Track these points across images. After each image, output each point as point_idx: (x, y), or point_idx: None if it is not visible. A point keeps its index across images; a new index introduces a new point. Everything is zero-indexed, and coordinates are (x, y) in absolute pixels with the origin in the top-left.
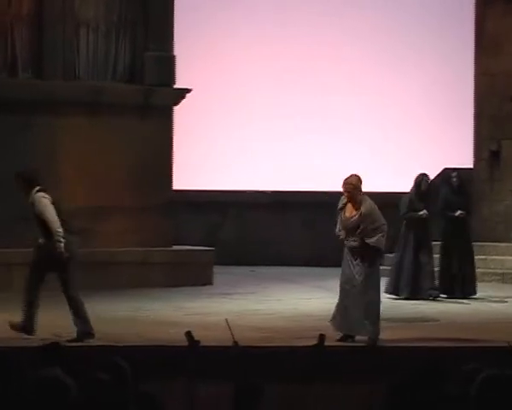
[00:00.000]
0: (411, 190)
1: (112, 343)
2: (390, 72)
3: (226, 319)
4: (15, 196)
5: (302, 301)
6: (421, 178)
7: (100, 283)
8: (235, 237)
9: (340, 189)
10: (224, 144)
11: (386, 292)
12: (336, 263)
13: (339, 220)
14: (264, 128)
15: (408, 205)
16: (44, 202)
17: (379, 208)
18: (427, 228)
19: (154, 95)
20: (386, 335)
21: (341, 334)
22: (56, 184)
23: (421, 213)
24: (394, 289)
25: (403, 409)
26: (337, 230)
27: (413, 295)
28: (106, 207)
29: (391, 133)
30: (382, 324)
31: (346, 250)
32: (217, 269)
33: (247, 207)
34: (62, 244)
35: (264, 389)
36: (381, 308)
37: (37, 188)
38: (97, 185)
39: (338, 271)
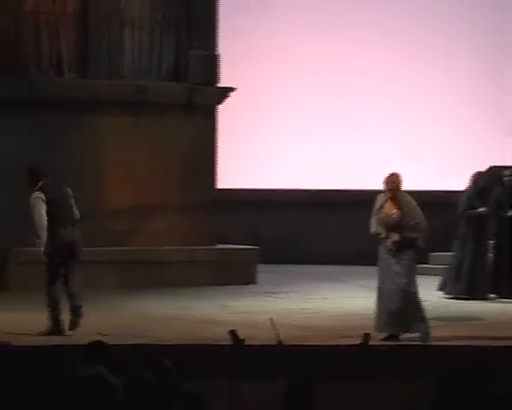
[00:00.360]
0: (469, 187)
1: (156, 342)
2: (423, 67)
3: (271, 318)
4: None
5: (347, 300)
6: (479, 175)
7: (145, 281)
8: (277, 235)
9: (377, 187)
10: (265, 143)
11: (442, 291)
12: (375, 262)
13: (375, 219)
14: (305, 126)
15: (466, 203)
16: (35, 202)
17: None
18: (487, 226)
19: (198, 94)
20: (432, 333)
21: (386, 334)
22: (101, 184)
23: (481, 209)
24: (452, 289)
25: (448, 408)
26: (373, 228)
27: (472, 295)
28: (150, 206)
29: (426, 131)
30: (431, 322)
31: (383, 249)
32: (260, 267)
33: (291, 206)
34: (41, 247)
35: (313, 388)
36: (428, 307)
37: (40, 184)
38: (142, 185)
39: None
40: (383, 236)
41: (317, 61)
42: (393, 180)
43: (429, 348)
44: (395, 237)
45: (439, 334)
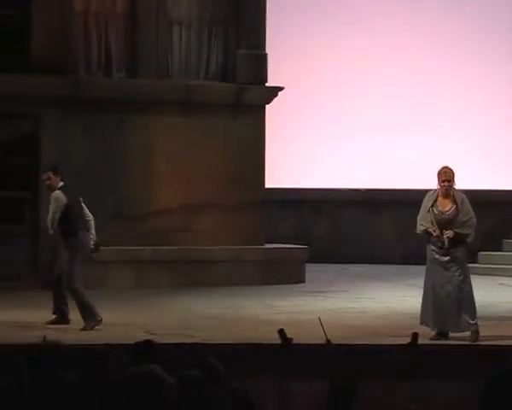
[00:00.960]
0: None
1: (204, 341)
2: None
3: (319, 317)
4: (112, 195)
5: (395, 300)
6: None
7: (194, 281)
8: (326, 234)
9: (427, 187)
10: (314, 142)
11: None
12: (424, 261)
13: (424, 217)
14: (354, 125)
15: None
16: (58, 196)
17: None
18: None
19: (247, 93)
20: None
21: (434, 332)
22: (150, 183)
23: None
24: None
25: (498, 407)
26: (422, 227)
27: None
28: (199, 205)
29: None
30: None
31: (432, 248)
32: (308, 267)
33: (340, 205)
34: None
35: (358, 388)
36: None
37: (61, 185)
38: (190, 184)
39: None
40: (436, 233)
41: (362, 59)
42: (450, 172)
43: (479, 347)
44: (449, 233)
45: (487, 333)
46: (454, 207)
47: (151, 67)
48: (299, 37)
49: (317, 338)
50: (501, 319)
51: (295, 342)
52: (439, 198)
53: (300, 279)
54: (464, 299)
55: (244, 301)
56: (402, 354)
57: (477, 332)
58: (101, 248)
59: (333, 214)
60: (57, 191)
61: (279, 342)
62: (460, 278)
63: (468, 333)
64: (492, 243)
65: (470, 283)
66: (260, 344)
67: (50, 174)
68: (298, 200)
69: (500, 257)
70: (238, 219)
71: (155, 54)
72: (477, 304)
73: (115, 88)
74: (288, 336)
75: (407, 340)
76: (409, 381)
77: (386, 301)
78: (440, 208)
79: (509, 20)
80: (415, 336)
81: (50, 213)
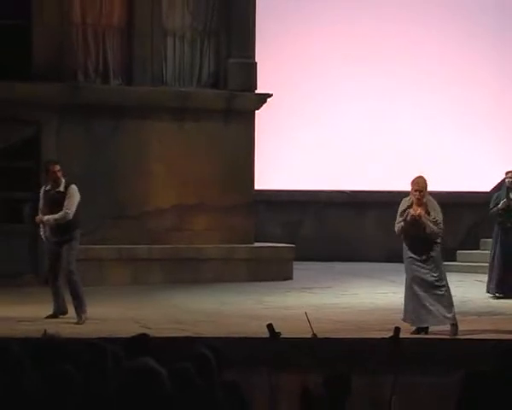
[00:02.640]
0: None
1: (197, 335)
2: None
3: (305, 313)
4: (109, 196)
5: (378, 296)
6: (507, 173)
7: (186, 278)
8: (312, 234)
9: (406, 189)
10: (301, 145)
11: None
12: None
13: (400, 220)
14: (340, 128)
15: (494, 201)
16: (76, 192)
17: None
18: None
19: (237, 100)
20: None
21: (414, 327)
22: (146, 185)
23: (500, 204)
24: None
25: (478, 399)
26: (399, 224)
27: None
28: (192, 206)
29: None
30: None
31: (407, 248)
32: (295, 265)
33: (325, 206)
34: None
35: (351, 379)
36: (455, 303)
37: (66, 180)
38: (184, 186)
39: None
40: (412, 213)
41: (353, 63)
42: (421, 182)
43: (458, 341)
44: (418, 211)
45: (465, 328)
46: (425, 211)
47: (146, 75)
48: (287, 46)
49: (304, 332)
50: (479, 314)
51: (283, 336)
52: (414, 205)
53: (288, 276)
54: (440, 294)
55: (234, 297)
56: (384, 347)
57: (455, 326)
58: (98, 246)
59: (319, 215)
60: (74, 185)
61: (268, 335)
62: (436, 275)
63: (447, 327)
64: (470, 241)
65: (446, 279)
66: (250, 338)
67: (59, 167)
68: (285, 201)
69: (478, 255)
70: (229, 219)
71: (150, 62)
72: (456, 300)
73: (112, 94)
74: (276, 330)
75: (389, 334)
76: (391, 374)
77: (370, 297)
78: (412, 212)
79: None
80: (397, 330)
81: (75, 204)
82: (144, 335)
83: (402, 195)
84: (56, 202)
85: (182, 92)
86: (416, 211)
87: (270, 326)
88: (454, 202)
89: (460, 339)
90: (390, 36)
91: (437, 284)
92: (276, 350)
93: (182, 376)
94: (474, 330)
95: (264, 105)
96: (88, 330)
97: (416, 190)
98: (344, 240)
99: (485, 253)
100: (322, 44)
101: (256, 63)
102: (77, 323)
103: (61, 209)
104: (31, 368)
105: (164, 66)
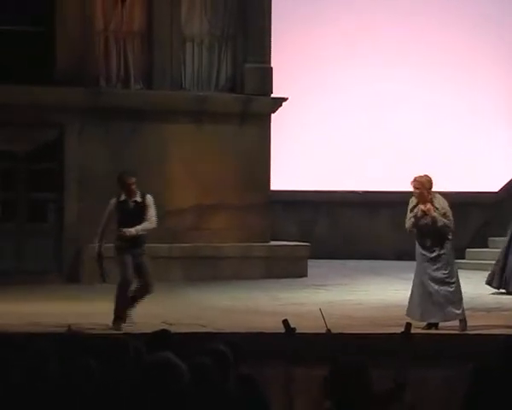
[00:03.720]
0: None
1: (215, 330)
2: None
3: (320, 309)
4: None
5: (390, 292)
6: None
7: (205, 275)
8: (326, 233)
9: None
10: (316, 148)
11: (490, 285)
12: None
13: (412, 218)
14: (354, 131)
15: None
16: (152, 200)
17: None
18: None
19: (253, 103)
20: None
21: (425, 323)
22: (165, 186)
23: None
24: (498, 283)
25: (486, 392)
26: (410, 221)
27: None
28: (210, 206)
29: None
30: (466, 313)
31: (419, 245)
32: (310, 262)
33: (339, 206)
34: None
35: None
36: (464, 299)
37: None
38: (202, 186)
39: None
40: (422, 208)
41: (365, 67)
42: (419, 180)
43: (468, 336)
44: (428, 205)
45: (474, 323)
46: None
47: (166, 80)
48: (302, 50)
49: (319, 328)
50: (488, 310)
51: (298, 331)
52: (420, 203)
53: (303, 274)
54: (450, 291)
55: (251, 293)
56: (396, 342)
57: (464, 321)
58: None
59: (332, 214)
60: (150, 195)
61: (283, 331)
62: (446, 271)
63: (457, 323)
64: (479, 240)
65: (456, 276)
66: (266, 333)
67: (134, 179)
68: (300, 201)
69: (486, 253)
70: (246, 218)
71: (170, 67)
72: (466, 297)
73: (132, 98)
74: (292, 326)
75: (401, 329)
76: (403, 367)
77: (381, 294)
78: (423, 208)
79: None
80: (408, 325)
81: (155, 214)
82: (165, 330)
83: (411, 194)
84: (136, 213)
85: (200, 96)
86: (426, 206)
87: (285, 322)
88: (463, 202)
89: (469, 334)
90: (405, 36)
91: (447, 280)
92: (291, 345)
93: (200, 370)
94: (484, 326)
95: (281, 108)
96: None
97: (415, 188)
98: (356, 239)
99: (493, 251)
100: (337, 48)
101: (272, 68)
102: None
103: (141, 220)
104: (55, 363)
105: (183, 71)
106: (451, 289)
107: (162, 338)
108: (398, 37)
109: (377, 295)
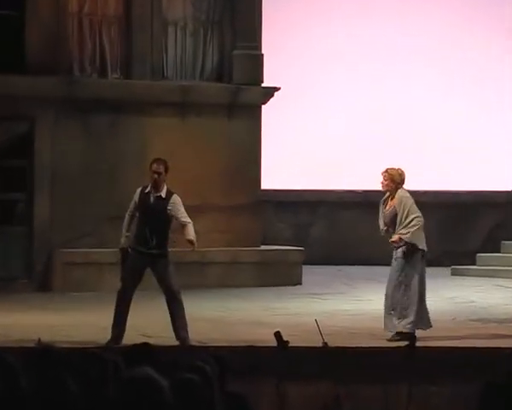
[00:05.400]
0: None
1: (200, 343)
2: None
3: (315, 320)
4: (108, 196)
5: None
6: None
7: (189, 283)
8: (323, 236)
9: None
10: (311, 143)
11: None
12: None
13: (380, 215)
14: (351, 126)
15: None
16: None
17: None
18: None
19: (242, 94)
20: (479, 333)
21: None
22: (145, 183)
23: None
24: None
25: (498, 408)
26: (381, 226)
27: None
28: (195, 207)
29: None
30: (475, 324)
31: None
32: (305, 269)
33: (337, 207)
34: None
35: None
36: (473, 309)
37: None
38: (187, 184)
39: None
40: (383, 233)
41: (362, 58)
42: (389, 172)
43: (477, 349)
44: (394, 237)
45: (485, 335)
46: (393, 205)
47: (146, 68)
48: (296, 35)
49: (314, 341)
50: (500, 321)
51: (292, 344)
52: (388, 199)
53: (297, 281)
54: (398, 299)
55: (240, 303)
56: (399, 356)
57: (399, 334)
58: (97, 250)
59: (330, 216)
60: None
61: (275, 344)
62: (399, 280)
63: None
64: (491, 244)
65: (411, 286)
66: (256, 347)
67: (163, 169)
68: (294, 201)
69: (498, 259)
70: (234, 220)
71: (150, 55)
72: (476, 306)
73: (109, 89)
74: (285, 338)
75: (405, 342)
76: (406, 383)
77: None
78: (386, 207)
79: None
80: (412, 338)
81: (185, 213)
82: (145, 344)
83: (419, 194)
84: (155, 210)
85: (183, 86)
86: (394, 237)
87: (277, 334)
88: (473, 202)
89: (478, 347)
90: (409, 26)
91: (400, 286)
92: (284, 360)
93: (184, 387)
94: (495, 336)
95: (273, 99)
96: (84, 338)
97: (383, 180)
98: (356, 242)
99: (506, 256)
100: (336, 32)
101: (262, 55)
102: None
103: (159, 220)
104: (24, 378)
105: (164, 58)
106: (402, 297)
107: (142, 352)
108: (401, 25)
109: (379, 304)
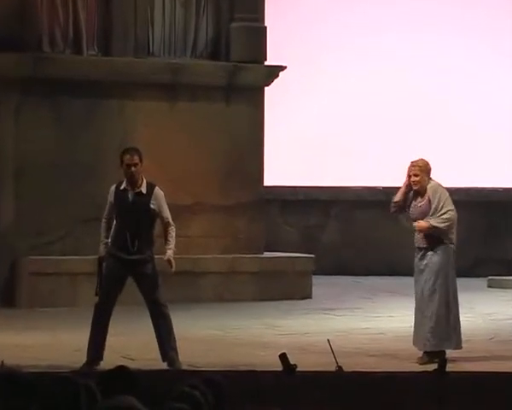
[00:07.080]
0: None
1: (192, 367)
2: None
3: (328, 340)
4: (83, 194)
5: None
6: None
7: (181, 295)
8: (337, 241)
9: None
10: (323, 133)
11: None
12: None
13: (401, 197)
14: (370, 113)
15: None
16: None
17: None
18: None
19: (242, 73)
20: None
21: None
22: (121, 179)
23: None
24: None
25: None
26: (396, 198)
27: None
28: (186, 206)
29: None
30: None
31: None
32: (316, 279)
33: (353, 207)
34: None
35: None
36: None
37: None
38: (177, 180)
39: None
40: (393, 209)
41: (377, 46)
42: (418, 164)
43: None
44: (421, 223)
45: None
46: (425, 199)
47: (128, 44)
48: (303, 6)
49: (326, 365)
50: None
51: (299, 369)
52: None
53: (306, 294)
54: (429, 314)
55: (239, 320)
56: (427, 382)
57: (432, 355)
58: (70, 257)
59: (344, 217)
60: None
61: (281, 368)
62: (431, 288)
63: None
64: None
65: (444, 295)
66: (259, 371)
67: (138, 160)
68: (303, 200)
69: None
70: (232, 222)
71: (133, 28)
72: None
73: (85, 67)
74: (292, 361)
75: (433, 366)
76: None
77: (408, 320)
78: (414, 202)
79: None
80: (442, 361)
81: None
82: (124, 367)
83: (450, 191)
84: (135, 210)
85: (173, 65)
86: (419, 223)
87: (283, 357)
88: (505, 201)
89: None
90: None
91: (429, 298)
92: (290, 386)
93: None
94: None
95: (277, 80)
96: (56, 361)
97: (412, 175)
98: (375, 248)
99: None
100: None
101: (265, 27)
102: (171, 366)
103: (141, 219)
104: None
105: (150, 32)
106: (431, 311)
107: (121, 377)
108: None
109: (402, 322)
